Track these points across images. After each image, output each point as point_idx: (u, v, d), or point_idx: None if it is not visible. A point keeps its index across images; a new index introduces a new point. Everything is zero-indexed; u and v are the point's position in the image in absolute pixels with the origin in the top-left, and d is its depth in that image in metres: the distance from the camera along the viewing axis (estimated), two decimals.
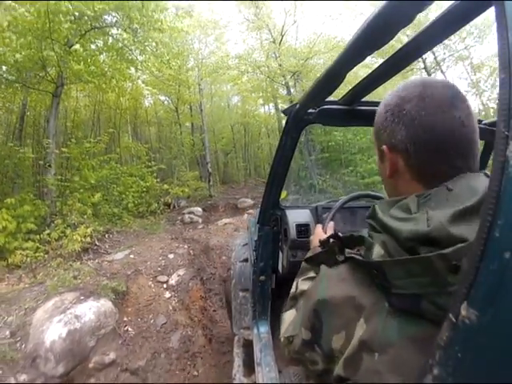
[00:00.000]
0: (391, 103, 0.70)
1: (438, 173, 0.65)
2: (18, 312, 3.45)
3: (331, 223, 1.41)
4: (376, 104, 1.44)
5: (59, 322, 3.08)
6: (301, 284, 0.94)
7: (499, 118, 0.38)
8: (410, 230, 0.54)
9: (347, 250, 0.67)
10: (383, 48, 0.82)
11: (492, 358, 0.37)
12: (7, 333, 3.17)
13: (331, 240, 0.76)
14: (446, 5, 0.71)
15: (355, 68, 0.97)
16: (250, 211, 8.76)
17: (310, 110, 1.44)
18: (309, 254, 1.00)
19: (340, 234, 0.75)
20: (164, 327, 3.63)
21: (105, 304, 3.48)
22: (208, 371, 3.23)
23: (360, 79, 1.16)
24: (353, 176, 9.36)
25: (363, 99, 1.30)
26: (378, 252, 0.59)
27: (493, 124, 1.56)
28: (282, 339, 0.84)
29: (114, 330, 3.37)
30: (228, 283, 3.20)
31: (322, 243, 0.84)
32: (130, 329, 3.50)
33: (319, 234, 1.31)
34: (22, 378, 2.80)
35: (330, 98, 1.30)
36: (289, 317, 0.86)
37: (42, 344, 2.93)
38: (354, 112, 1.36)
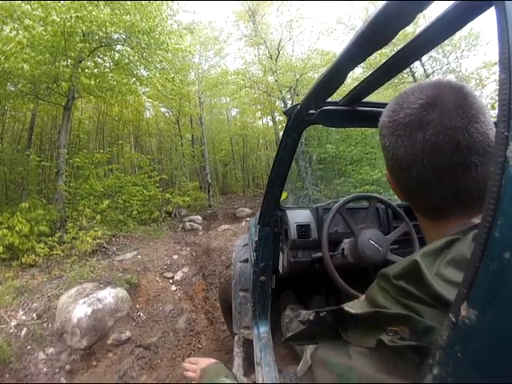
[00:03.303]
0: (399, 120, 0.57)
1: (463, 205, 0.55)
2: (41, 300, 3.88)
3: None
4: (377, 105, 1.47)
5: (84, 303, 3.53)
6: None
7: (499, 119, 0.38)
8: None
9: (383, 338, 0.42)
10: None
11: (492, 357, 0.36)
12: (34, 315, 3.61)
13: (322, 313, 0.52)
14: (447, 5, 0.69)
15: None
16: (248, 219, 9.11)
17: (310, 111, 1.43)
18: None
19: (347, 309, 0.49)
20: (171, 313, 4.06)
21: (121, 291, 3.92)
22: (210, 344, 3.67)
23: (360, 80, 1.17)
24: (345, 186, 9.59)
25: (364, 100, 1.31)
26: None
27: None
28: None
29: (129, 314, 3.81)
30: (224, 282, 3.27)
31: (310, 322, 0.55)
32: (141, 314, 3.93)
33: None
34: (50, 350, 3.23)
35: (331, 99, 1.29)
36: None
37: (69, 321, 3.36)
38: (355, 113, 1.36)
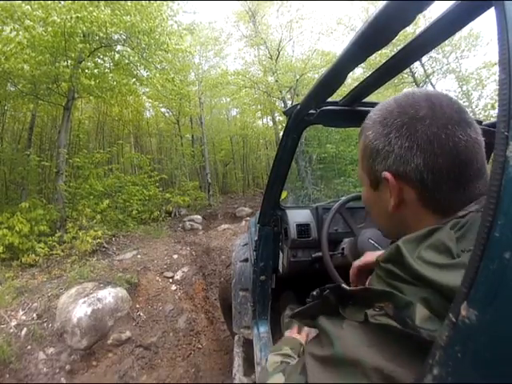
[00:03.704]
0: (394, 123, 0.59)
1: (456, 199, 0.57)
2: (41, 299, 3.88)
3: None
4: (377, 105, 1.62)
5: (84, 303, 3.53)
6: (271, 358, 0.90)
7: (499, 118, 0.38)
8: None
9: (369, 312, 0.47)
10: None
11: (492, 357, 0.36)
12: (34, 315, 3.61)
13: (327, 290, 0.57)
14: (447, 5, 0.69)
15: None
16: (248, 219, 9.12)
17: (311, 111, 1.41)
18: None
19: (345, 285, 0.54)
20: (171, 312, 4.06)
21: (121, 291, 3.92)
22: (210, 344, 3.67)
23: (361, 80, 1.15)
24: (345, 185, 9.59)
25: (364, 100, 1.29)
26: (422, 313, 0.44)
27: (493, 125, 1.54)
28: None
29: (129, 314, 3.81)
30: (224, 282, 3.26)
31: (313, 297, 0.62)
32: (141, 314, 3.93)
33: (294, 330, 1.16)
34: (50, 350, 3.23)
35: (331, 99, 1.28)
36: (275, 381, 0.73)
37: (70, 321, 3.36)
38: (355, 113, 1.33)
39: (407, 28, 0.73)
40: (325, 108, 1.36)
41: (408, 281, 0.47)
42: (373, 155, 0.63)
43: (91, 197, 7.83)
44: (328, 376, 0.48)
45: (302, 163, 10.61)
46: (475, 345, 0.37)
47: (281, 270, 2.17)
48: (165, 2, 7.90)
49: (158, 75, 7.92)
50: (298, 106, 1.44)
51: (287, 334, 1.16)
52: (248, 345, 2.33)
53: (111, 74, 7.41)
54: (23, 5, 5.54)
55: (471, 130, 0.57)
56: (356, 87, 1.21)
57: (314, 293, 0.60)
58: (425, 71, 11.76)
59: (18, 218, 5.86)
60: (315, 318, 0.58)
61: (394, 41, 0.78)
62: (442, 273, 0.46)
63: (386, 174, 0.60)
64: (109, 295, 3.75)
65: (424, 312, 0.44)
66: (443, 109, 0.57)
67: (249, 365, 2.28)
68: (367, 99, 1.29)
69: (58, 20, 5.60)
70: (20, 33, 5.62)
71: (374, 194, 0.68)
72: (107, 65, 8.05)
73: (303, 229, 2.00)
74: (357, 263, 1.05)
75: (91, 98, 8.48)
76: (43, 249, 5.63)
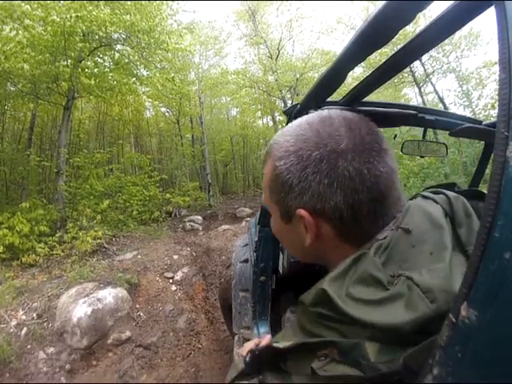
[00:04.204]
0: (312, 156, 0.53)
1: (374, 229, 0.54)
2: (41, 299, 3.88)
3: (268, 336, 0.87)
4: (377, 104, 1.48)
5: (84, 303, 3.54)
6: None
7: (499, 118, 0.38)
8: (411, 319, 0.40)
9: (314, 365, 0.43)
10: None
11: (492, 357, 0.36)
12: (34, 315, 3.61)
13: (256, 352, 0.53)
14: (447, 4, 0.69)
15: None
16: (248, 219, 9.11)
17: (310, 111, 1.34)
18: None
19: (277, 345, 0.49)
20: (172, 313, 4.07)
21: (121, 291, 3.93)
22: (210, 344, 3.67)
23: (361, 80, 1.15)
24: None
25: (364, 99, 1.29)
26: (373, 348, 0.41)
27: (493, 125, 1.55)
28: None
29: (129, 314, 3.82)
30: (224, 283, 3.26)
31: (245, 364, 0.55)
32: (141, 314, 3.94)
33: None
34: (50, 350, 3.23)
35: (331, 99, 1.28)
36: None
37: (70, 321, 3.37)
38: (355, 112, 1.44)
39: (407, 27, 0.72)
40: (325, 107, 1.29)
41: (345, 321, 0.44)
42: (285, 189, 0.57)
43: (91, 197, 7.85)
44: None
45: None
46: (475, 345, 0.37)
47: (281, 271, 2.14)
48: (164, 2, 7.89)
49: (157, 74, 7.93)
50: (298, 106, 1.43)
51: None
52: None
53: (111, 74, 7.40)
54: (23, 4, 5.53)
55: (388, 157, 0.55)
56: (356, 86, 1.20)
57: (247, 358, 0.54)
58: (425, 70, 11.73)
59: (19, 218, 5.86)
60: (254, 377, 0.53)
61: (393, 40, 0.77)
62: (375, 310, 0.43)
63: (302, 212, 0.55)
64: (109, 295, 3.75)
65: (374, 346, 0.41)
66: (364, 138, 0.54)
67: None
68: (367, 98, 1.28)
69: (58, 19, 5.60)
70: (20, 32, 5.61)
71: (285, 227, 0.62)
72: (107, 64, 8.04)
73: None
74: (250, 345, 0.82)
75: (91, 97, 8.50)
76: (43, 249, 5.64)
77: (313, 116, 0.61)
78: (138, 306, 4.06)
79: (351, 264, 0.50)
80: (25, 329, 3.44)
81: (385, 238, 0.52)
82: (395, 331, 0.40)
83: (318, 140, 0.54)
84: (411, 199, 0.60)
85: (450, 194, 0.57)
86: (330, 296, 0.46)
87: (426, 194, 0.59)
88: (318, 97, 1.22)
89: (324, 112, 0.61)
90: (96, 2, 6.12)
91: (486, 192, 0.51)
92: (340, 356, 0.42)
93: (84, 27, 6.00)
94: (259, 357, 0.52)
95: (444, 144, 2.06)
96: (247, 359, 0.54)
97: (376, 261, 0.48)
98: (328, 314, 0.46)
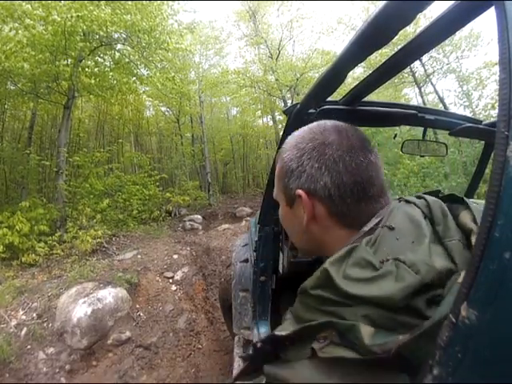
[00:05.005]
0: (306, 147, 0.67)
1: (361, 214, 0.64)
2: (41, 299, 3.88)
3: None
4: (377, 104, 1.48)
5: (84, 303, 3.53)
6: None
7: (499, 118, 0.38)
8: (399, 288, 0.45)
9: (315, 346, 0.47)
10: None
11: (492, 357, 0.37)
12: (34, 315, 3.61)
13: (259, 344, 0.59)
14: (447, 4, 0.69)
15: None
16: (248, 219, 9.11)
17: (310, 111, 1.41)
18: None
19: (278, 333, 0.54)
20: (172, 313, 4.06)
21: (121, 291, 3.92)
22: (210, 344, 3.66)
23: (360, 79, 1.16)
24: None
25: (364, 99, 1.30)
26: (367, 331, 0.44)
27: (493, 125, 1.56)
28: None
29: (129, 314, 3.81)
30: (224, 282, 3.24)
31: (249, 357, 0.65)
32: (141, 314, 3.94)
33: None
34: (50, 350, 3.23)
35: (331, 98, 1.28)
36: None
37: (70, 321, 3.36)
38: (355, 112, 1.34)
39: (407, 27, 0.74)
40: (325, 107, 1.36)
41: (342, 303, 0.48)
42: (288, 174, 0.69)
43: (91, 196, 7.86)
44: None
45: None
46: (475, 345, 0.37)
47: (281, 271, 2.14)
48: (165, 1, 7.89)
49: (158, 74, 7.93)
50: (298, 106, 1.44)
51: None
52: (248, 345, 2.29)
53: (111, 73, 7.41)
54: (24, 4, 5.53)
55: (371, 155, 0.67)
56: (356, 86, 1.21)
57: (250, 352, 0.62)
58: (425, 71, 11.69)
59: (18, 217, 5.87)
60: (259, 371, 0.57)
61: (394, 40, 0.77)
62: (370, 286, 0.48)
63: (299, 192, 0.66)
64: (109, 295, 3.75)
65: (368, 329, 0.44)
66: (348, 137, 0.67)
67: None
68: (367, 98, 1.30)
69: (59, 19, 5.61)
70: (20, 31, 5.61)
71: (290, 212, 0.73)
72: (107, 63, 8.06)
73: None
74: None
75: (91, 96, 8.51)
76: (43, 248, 5.64)
77: (312, 123, 0.74)
78: (137, 305, 4.06)
79: (347, 253, 0.56)
80: (25, 329, 3.44)
81: (370, 229, 0.61)
82: (388, 302, 0.45)
83: (311, 136, 0.68)
84: (398, 200, 0.68)
85: (430, 198, 0.64)
86: (331, 275, 0.52)
87: (408, 198, 0.66)
88: (317, 96, 1.23)
89: (322, 121, 0.73)
90: (97, 1, 6.13)
91: (462, 196, 0.64)
92: (339, 338, 0.46)
93: (85, 27, 6.01)
94: (261, 349, 0.58)
95: (444, 144, 2.07)
96: (251, 353, 0.62)
97: (368, 250, 0.54)
98: (327, 297, 0.51)
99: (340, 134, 0.67)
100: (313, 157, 0.65)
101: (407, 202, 0.65)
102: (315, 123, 0.73)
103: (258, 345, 0.59)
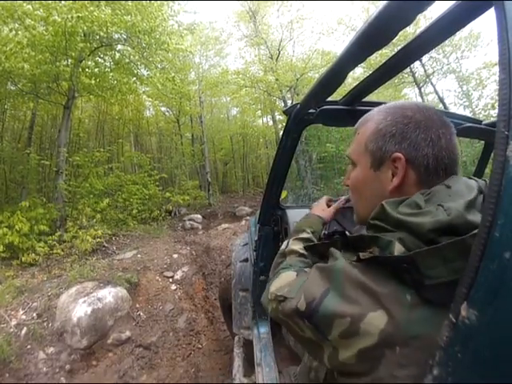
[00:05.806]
0: (414, 117, 0.71)
1: (439, 182, 0.68)
2: (41, 299, 3.87)
3: (342, 199, 1.24)
4: (377, 105, 1.50)
5: (84, 302, 3.52)
6: (292, 244, 0.99)
7: (499, 118, 0.38)
8: (431, 221, 0.55)
9: (361, 254, 0.60)
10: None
11: (492, 357, 0.37)
12: (34, 315, 3.60)
13: (335, 236, 0.76)
14: (447, 5, 0.70)
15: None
16: (248, 218, 9.10)
17: (310, 111, 1.41)
18: (303, 226, 1.07)
19: (348, 232, 0.73)
20: (171, 312, 4.05)
21: (121, 291, 3.91)
22: (210, 344, 3.65)
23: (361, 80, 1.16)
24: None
25: (364, 99, 1.29)
26: (398, 249, 0.56)
27: (493, 124, 1.56)
28: (271, 295, 0.80)
29: (129, 313, 3.80)
30: (224, 282, 3.23)
31: (327, 237, 0.85)
32: (141, 313, 3.93)
33: (322, 205, 1.24)
34: (50, 350, 3.22)
35: (331, 99, 1.28)
36: (286, 277, 0.82)
37: (70, 320, 3.35)
38: (355, 112, 1.31)
39: (407, 28, 0.74)
40: (325, 107, 1.36)
41: (389, 229, 0.61)
42: (386, 138, 0.72)
43: (91, 196, 7.86)
44: (320, 281, 0.65)
45: (302, 162, 10.57)
46: (475, 345, 0.37)
47: None
48: (165, 2, 7.90)
49: (158, 74, 7.95)
50: (298, 106, 1.43)
51: (314, 209, 1.23)
52: (248, 345, 2.30)
53: (111, 73, 7.42)
54: (24, 4, 5.53)
55: (456, 139, 0.73)
56: (356, 87, 1.22)
57: (326, 232, 0.86)
58: (425, 71, 11.71)
59: (18, 216, 5.87)
60: (323, 257, 0.76)
61: (394, 41, 0.79)
62: (415, 218, 0.58)
63: (398, 154, 0.70)
64: (109, 295, 3.74)
65: (400, 247, 0.56)
66: (444, 120, 0.73)
67: (249, 365, 2.24)
68: (367, 99, 1.29)
69: (59, 19, 5.61)
70: (20, 32, 5.61)
71: (372, 175, 0.76)
72: (108, 64, 8.07)
73: None
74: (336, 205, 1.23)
75: (91, 96, 8.51)
76: (43, 248, 5.64)
77: (407, 101, 0.79)
78: (137, 305, 4.05)
79: (402, 200, 0.66)
80: (25, 328, 3.43)
81: None
82: (418, 229, 0.56)
83: (419, 110, 0.72)
84: None
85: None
86: (386, 208, 0.64)
87: (471, 176, 0.73)
88: (317, 97, 1.23)
89: (417, 101, 0.80)
90: (97, 2, 6.13)
91: None
92: (379, 253, 0.58)
93: (85, 27, 6.02)
94: (330, 237, 0.80)
95: None
96: (323, 236, 0.89)
97: (420, 196, 0.64)
98: (380, 225, 0.64)
99: (438, 116, 0.72)
100: (420, 127, 0.70)
101: (469, 178, 0.72)
102: (412, 101, 0.79)
103: (335, 236, 0.78)
